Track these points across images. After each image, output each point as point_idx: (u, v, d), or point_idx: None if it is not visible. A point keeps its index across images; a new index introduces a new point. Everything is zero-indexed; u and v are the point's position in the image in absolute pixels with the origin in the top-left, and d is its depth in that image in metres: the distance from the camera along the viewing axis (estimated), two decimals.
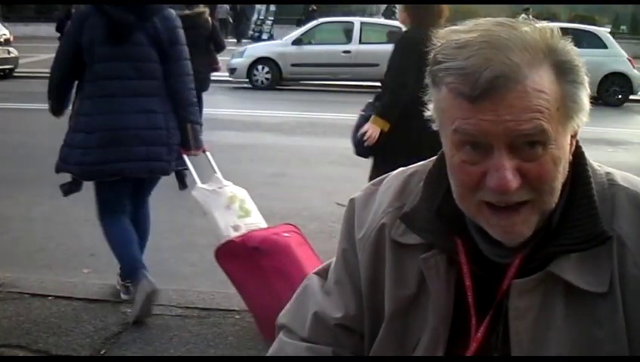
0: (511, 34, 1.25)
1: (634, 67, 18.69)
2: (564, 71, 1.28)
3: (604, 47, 18.08)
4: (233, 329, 4.51)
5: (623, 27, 52.04)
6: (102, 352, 4.17)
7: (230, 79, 18.91)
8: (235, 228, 4.57)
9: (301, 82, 20.18)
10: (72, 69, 4.69)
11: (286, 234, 4.48)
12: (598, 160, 1.46)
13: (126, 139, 4.56)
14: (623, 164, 7.55)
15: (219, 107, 15.79)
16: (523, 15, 21.08)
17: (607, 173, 1.43)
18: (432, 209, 1.44)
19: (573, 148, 1.37)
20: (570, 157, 1.36)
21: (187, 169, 4.96)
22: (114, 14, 4.51)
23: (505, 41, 1.24)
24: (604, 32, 20.03)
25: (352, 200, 1.63)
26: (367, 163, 9.79)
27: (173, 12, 4.83)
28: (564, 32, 1.33)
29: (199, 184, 4.85)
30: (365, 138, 5.07)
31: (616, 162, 1.88)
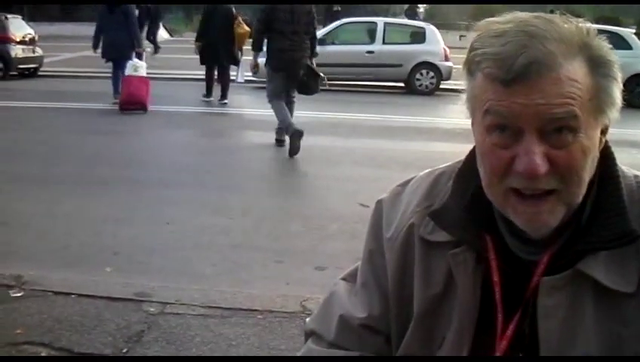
0: (547, 26, 1.27)
1: None
2: (597, 64, 1.30)
3: (629, 47, 17.92)
4: (255, 329, 4.50)
5: None
6: (124, 351, 4.18)
7: (254, 79, 18.88)
8: (130, 74, 14.27)
9: (324, 82, 20.13)
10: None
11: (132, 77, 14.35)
12: (622, 162, 1.45)
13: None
14: None
15: (242, 107, 15.86)
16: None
17: (636, 176, 1.43)
18: (462, 205, 1.44)
19: (602, 145, 1.37)
20: (598, 155, 1.35)
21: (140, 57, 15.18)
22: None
23: (541, 31, 1.26)
24: (628, 32, 19.87)
25: (379, 202, 1.64)
26: (391, 163, 9.82)
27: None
28: None
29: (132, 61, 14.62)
30: None
31: None
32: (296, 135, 10.48)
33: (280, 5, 10.64)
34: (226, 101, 15.79)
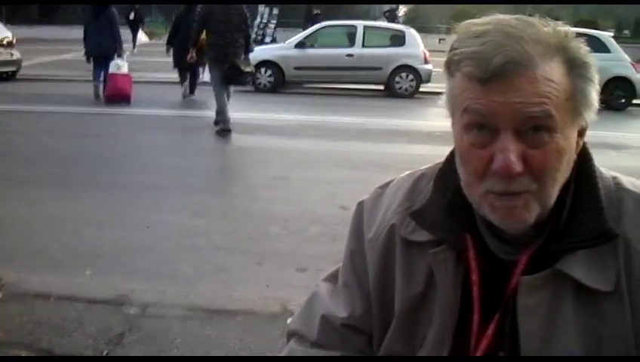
0: (526, 27, 1.30)
1: (637, 71, 18.66)
2: (574, 66, 1.32)
3: (608, 51, 18.03)
4: (236, 331, 4.51)
5: (626, 31, 52.06)
6: (104, 353, 4.18)
7: None
8: (113, 72, 15.62)
9: (304, 85, 20.15)
10: None
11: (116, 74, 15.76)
12: (601, 164, 1.47)
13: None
14: (626, 168, 7.51)
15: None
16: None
17: (614, 177, 1.45)
18: (442, 205, 1.46)
19: (580, 147, 1.39)
20: (575, 157, 1.37)
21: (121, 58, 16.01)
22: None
23: (520, 32, 1.28)
24: (607, 36, 19.96)
25: (360, 204, 1.65)
26: (371, 166, 9.83)
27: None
28: None
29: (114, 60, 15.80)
30: None
31: (619, 166, 1.88)
32: (223, 133, 12.17)
33: (215, 5, 12.13)
34: (193, 97, 17.06)
